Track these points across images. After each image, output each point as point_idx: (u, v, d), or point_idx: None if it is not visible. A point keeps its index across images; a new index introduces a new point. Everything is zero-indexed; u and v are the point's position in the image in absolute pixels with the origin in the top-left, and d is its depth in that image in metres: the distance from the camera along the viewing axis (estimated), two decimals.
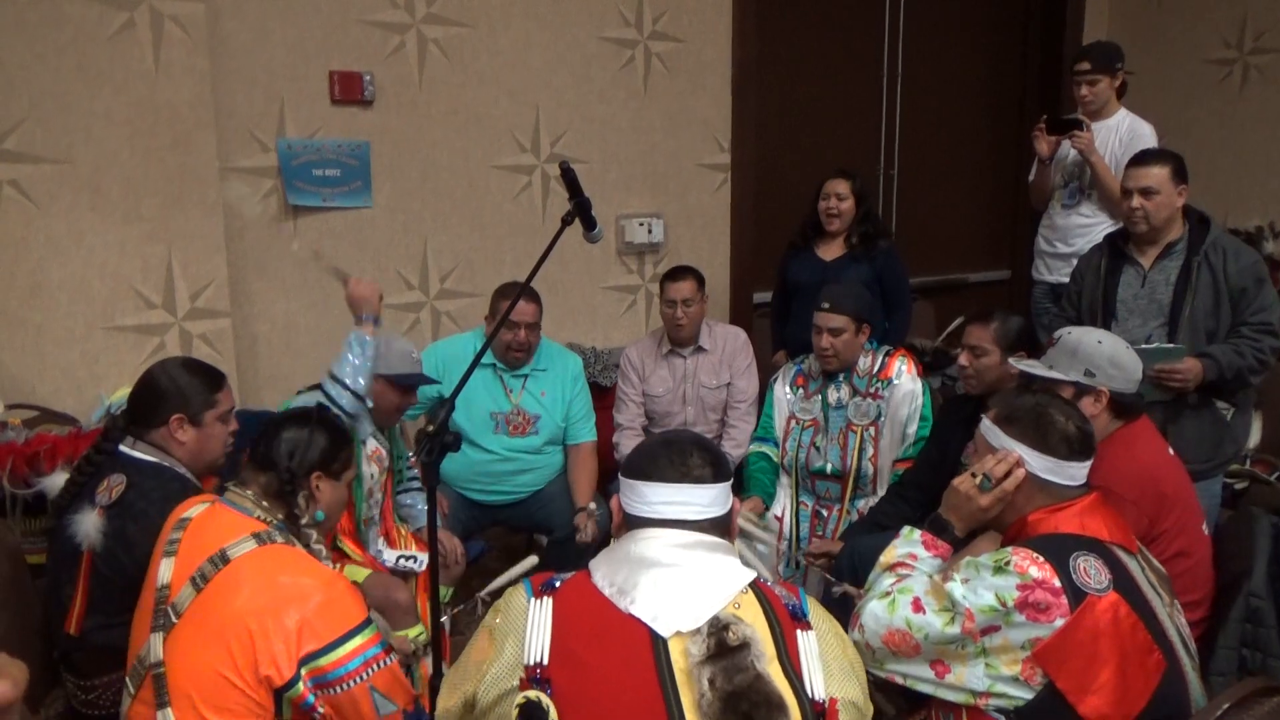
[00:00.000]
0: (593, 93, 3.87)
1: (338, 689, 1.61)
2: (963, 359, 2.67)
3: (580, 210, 1.87)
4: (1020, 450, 1.72)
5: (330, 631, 1.62)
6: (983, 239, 5.27)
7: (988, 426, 1.80)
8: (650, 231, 4.04)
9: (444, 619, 2.29)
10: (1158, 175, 2.74)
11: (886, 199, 4.88)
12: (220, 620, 1.61)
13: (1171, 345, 2.69)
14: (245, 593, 1.62)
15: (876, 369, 2.97)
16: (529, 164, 3.77)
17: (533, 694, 1.21)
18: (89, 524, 1.91)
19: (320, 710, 1.62)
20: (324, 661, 1.60)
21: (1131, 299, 2.83)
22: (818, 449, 2.98)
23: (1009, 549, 1.62)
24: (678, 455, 1.36)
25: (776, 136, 4.43)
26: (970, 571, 1.60)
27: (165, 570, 1.68)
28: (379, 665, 1.64)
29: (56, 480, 2.22)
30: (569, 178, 1.85)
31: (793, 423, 3.05)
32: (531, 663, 1.24)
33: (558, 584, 1.33)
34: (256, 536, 1.69)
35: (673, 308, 3.34)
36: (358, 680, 1.61)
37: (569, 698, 1.21)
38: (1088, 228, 3.53)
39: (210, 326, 3.19)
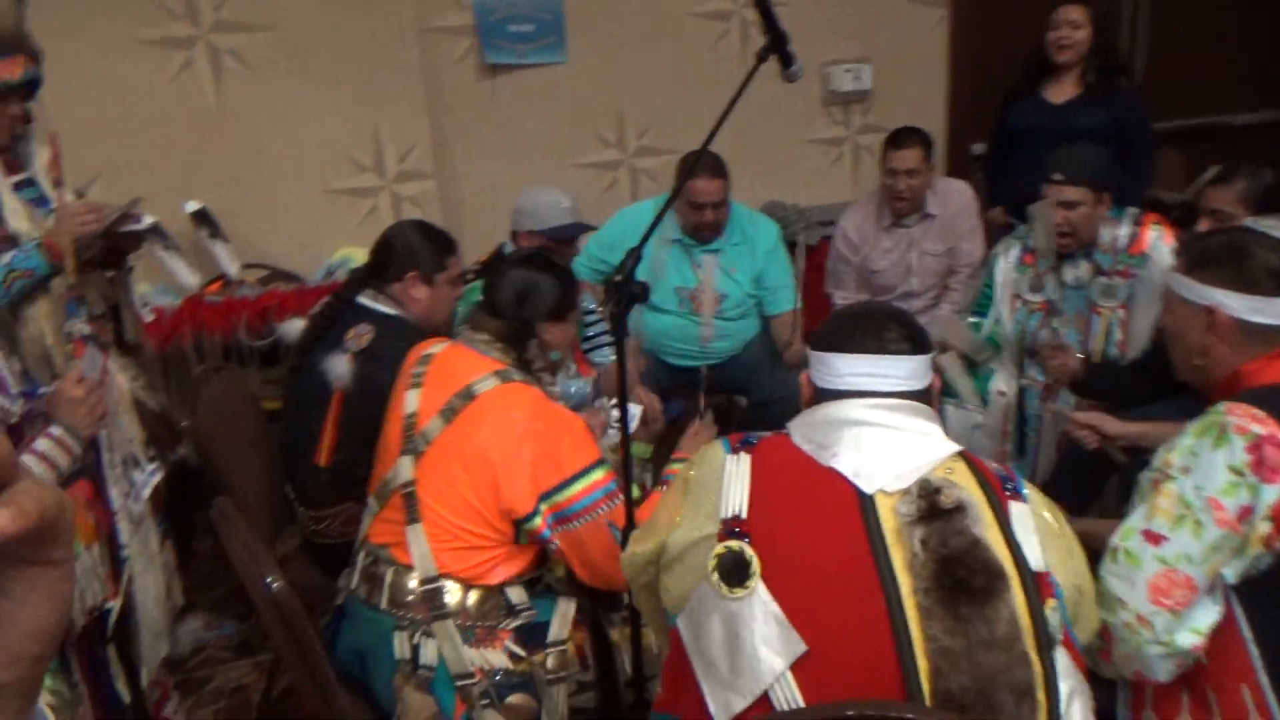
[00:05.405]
0: None
1: (576, 523, 1.68)
2: (1203, 225, 2.30)
3: (776, 45, 1.72)
4: (1217, 295, 1.50)
5: (566, 468, 1.68)
6: (1250, 73, 4.55)
7: (1177, 280, 1.56)
8: (858, 78, 3.76)
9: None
10: None
11: (1131, 28, 4.28)
12: (467, 452, 1.70)
13: None
14: (488, 427, 1.69)
15: (1126, 243, 2.53)
16: (726, 9, 3.57)
17: (735, 544, 1.18)
18: (342, 367, 2.04)
19: (555, 544, 1.70)
20: (561, 497, 1.67)
21: None
22: (1054, 332, 2.61)
23: (1220, 406, 1.41)
24: (873, 327, 1.28)
25: None
26: (1186, 458, 1.40)
27: (412, 400, 1.77)
28: (614, 502, 1.70)
29: (293, 325, 2.38)
30: (763, 6, 1.70)
31: (1019, 303, 2.67)
32: (729, 515, 1.21)
33: (755, 441, 1.29)
34: (499, 374, 1.76)
35: (894, 178, 3.00)
36: (594, 515, 1.67)
37: (769, 551, 1.18)
38: None
39: (417, 189, 3.28)
